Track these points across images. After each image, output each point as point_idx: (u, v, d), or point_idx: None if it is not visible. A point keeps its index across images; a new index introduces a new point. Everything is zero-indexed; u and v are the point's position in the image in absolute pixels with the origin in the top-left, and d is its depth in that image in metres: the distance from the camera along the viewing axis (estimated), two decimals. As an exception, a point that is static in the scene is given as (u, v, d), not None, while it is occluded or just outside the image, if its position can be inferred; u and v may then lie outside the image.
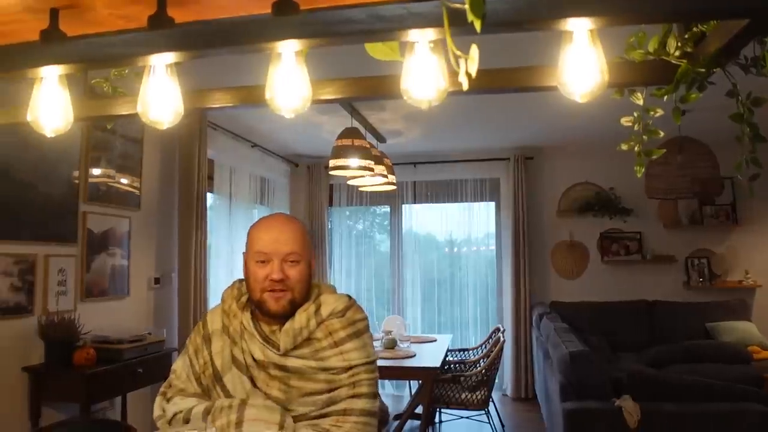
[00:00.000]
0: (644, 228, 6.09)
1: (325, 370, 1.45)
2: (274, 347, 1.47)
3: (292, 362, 1.46)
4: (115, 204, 4.07)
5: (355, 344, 1.49)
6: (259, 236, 1.52)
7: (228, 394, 1.48)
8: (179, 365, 1.62)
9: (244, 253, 1.58)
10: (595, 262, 6.18)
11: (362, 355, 1.49)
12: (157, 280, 4.47)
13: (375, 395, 1.53)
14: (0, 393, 3.18)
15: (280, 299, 1.48)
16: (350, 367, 1.47)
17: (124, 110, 1.42)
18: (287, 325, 1.48)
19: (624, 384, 3.44)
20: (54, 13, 1.31)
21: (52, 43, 1.20)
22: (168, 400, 1.53)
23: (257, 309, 1.53)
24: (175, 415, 1.48)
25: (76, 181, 3.72)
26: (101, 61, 1.16)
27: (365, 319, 1.57)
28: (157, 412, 1.54)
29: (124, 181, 4.15)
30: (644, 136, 1.18)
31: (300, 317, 1.48)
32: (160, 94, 1.22)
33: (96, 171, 3.89)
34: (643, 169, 1.20)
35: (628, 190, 5.98)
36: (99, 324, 3.76)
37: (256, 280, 1.50)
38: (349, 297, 1.60)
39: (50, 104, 1.29)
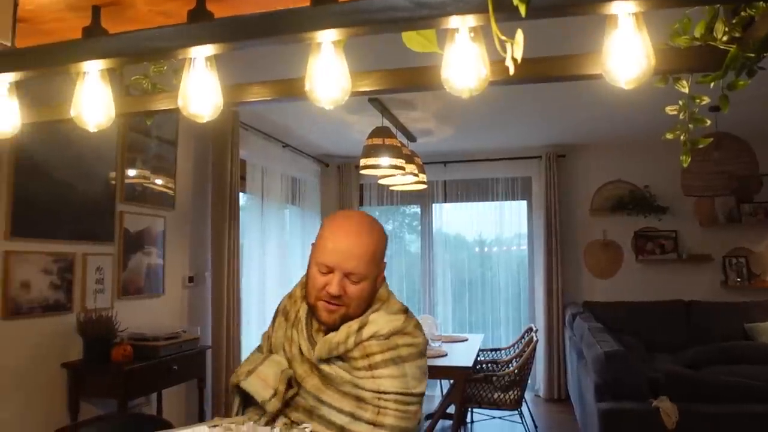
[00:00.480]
0: (680, 226, 5.96)
1: (356, 386, 1.34)
2: (314, 348, 1.43)
3: (326, 368, 1.39)
4: (151, 204, 4.13)
5: (391, 371, 1.34)
6: (327, 244, 1.42)
7: None
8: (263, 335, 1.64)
9: (313, 244, 1.50)
10: (629, 262, 6.08)
11: (396, 385, 1.33)
12: (191, 279, 4.53)
13: (401, 430, 1.34)
14: (40, 388, 3.25)
15: (333, 313, 1.41)
16: (380, 392, 1.33)
17: (163, 105, 1.44)
18: (329, 335, 1.41)
19: (661, 384, 3.37)
20: (96, 11, 1.33)
21: (94, 39, 1.22)
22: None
23: (310, 311, 1.48)
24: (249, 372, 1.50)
25: (113, 182, 3.79)
26: (142, 55, 1.17)
27: (414, 345, 1.40)
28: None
29: (158, 181, 4.21)
30: (690, 125, 1.15)
31: (341, 332, 1.39)
32: (199, 87, 1.23)
33: (132, 172, 3.96)
34: (689, 159, 1.17)
35: (664, 188, 5.87)
36: (135, 322, 3.82)
37: (314, 285, 1.43)
38: (406, 317, 1.44)
39: (93, 100, 1.31)
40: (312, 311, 1.45)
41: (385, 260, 1.49)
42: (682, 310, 5.63)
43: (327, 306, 1.40)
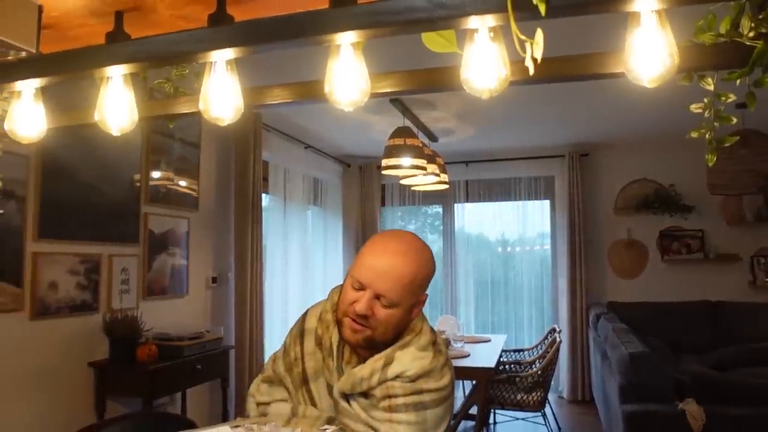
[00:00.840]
0: (706, 225, 5.86)
1: (370, 426, 1.27)
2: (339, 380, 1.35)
3: (344, 404, 1.33)
4: (175, 205, 4.18)
5: (409, 417, 1.25)
6: (366, 259, 1.33)
7: (312, 400, 1.39)
8: (281, 349, 1.52)
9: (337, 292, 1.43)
10: (654, 262, 5.99)
11: (413, 431, 1.25)
12: (214, 280, 4.57)
13: None
14: (68, 387, 3.31)
15: (357, 333, 1.31)
16: None
17: (185, 109, 1.45)
18: (355, 369, 1.32)
19: (687, 386, 3.32)
20: (119, 16, 1.35)
21: (117, 44, 1.23)
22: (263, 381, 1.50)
23: (337, 328, 1.39)
24: (259, 405, 1.44)
25: (138, 184, 3.84)
26: (165, 59, 1.19)
27: (439, 390, 1.29)
28: (252, 388, 1.51)
29: (182, 183, 4.26)
30: (715, 123, 1.13)
31: (366, 367, 1.31)
32: (220, 91, 1.24)
33: (156, 174, 4.01)
34: (715, 158, 1.15)
35: (689, 187, 5.77)
36: (160, 322, 3.87)
37: (344, 299, 1.34)
38: (435, 354, 1.33)
39: (116, 104, 1.33)
40: (338, 327, 1.37)
41: (426, 292, 1.38)
42: (708, 311, 5.53)
43: (352, 324, 1.31)
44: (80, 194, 3.41)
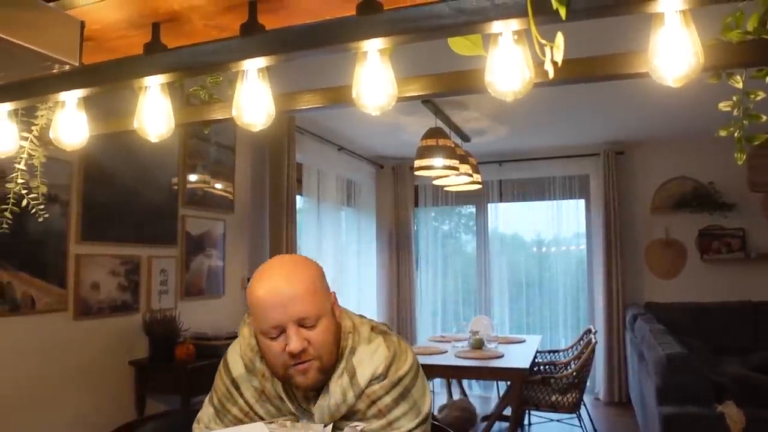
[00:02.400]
0: (747, 224, 5.71)
1: None
2: (313, 420, 1.26)
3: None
4: (211, 208, 4.27)
5: (403, 408, 1.23)
6: (261, 306, 1.20)
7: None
8: (204, 415, 1.40)
9: (249, 322, 1.33)
10: (693, 261, 5.86)
11: (412, 418, 1.24)
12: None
13: None
14: (109, 384, 3.42)
15: (308, 371, 1.20)
16: None
17: (219, 115, 1.50)
18: (321, 400, 1.24)
19: (727, 389, 3.25)
20: (155, 27, 1.40)
21: (155, 54, 1.29)
22: None
23: (286, 386, 1.29)
24: None
25: (175, 187, 3.94)
26: (199, 69, 1.23)
27: (411, 366, 1.27)
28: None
29: (218, 186, 4.35)
30: (744, 121, 1.12)
31: (334, 392, 1.23)
32: (252, 97, 1.28)
33: (193, 177, 4.10)
34: (744, 156, 1.14)
35: (729, 184, 5.63)
36: (197, 322, 3.96)
37: (274, 356, 1.21)
38: (385, 341, 1.29)
39: (154, 112, 1.39)
40: (288, 385, 1.27)
41: (332, 290, 1.31)
42: (749, 312, 5.39)
43: (298, 369, 1.20)
44: (120, 198, 3.52)
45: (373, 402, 1.23)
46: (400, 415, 1.23)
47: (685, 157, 5.86)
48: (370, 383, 1.23)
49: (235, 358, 1.37)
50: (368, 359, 1.25)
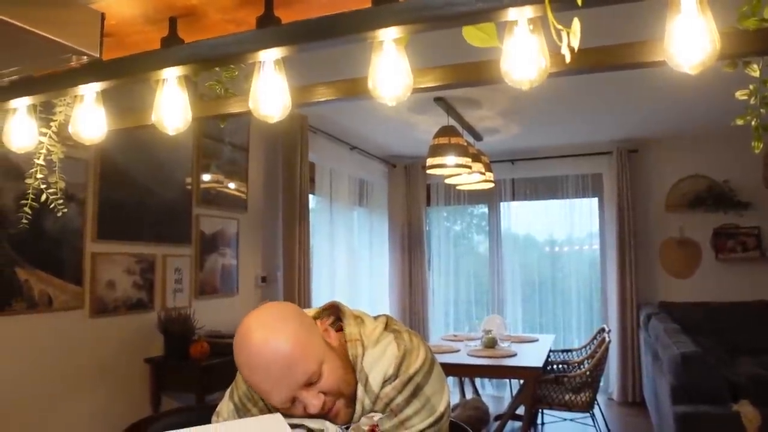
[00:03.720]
0: (764, 223, 5.65)
1: None
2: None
3: None
4: (224, 207, 4.30)
5: (414, 407, 1.21)
6: (261, 390, 1.17)
7: None
8: (224, 410, 1.39)
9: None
10: (708, 260, 5.81)
11: (424, 417, 1.22)
12: (263, 279, 4.68)
13: None
14: (125, 382, 3.45)
15: (338, 414, 1.20)
16: None
17: (235, 109, 1.51)
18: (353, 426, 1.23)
19: (742, 388, 3.22)
20: (173, 22, 1.42)
21: (172, 48, 1.30)
22: None
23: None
24: None
25: (189, 186, 3.97)
26: (216, 60, 1.25)
27: (423, 363, 1.24)
28: None
29: (231, 185, 4.38)
30: (762, 110, 1.12)
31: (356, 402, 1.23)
32: (269, 89, 1.29)
33: (206, 177, 4.13)
34: (761, 145, 1.13)
35: (745, 183, 5.58)
36: (211, 320, 3.99)
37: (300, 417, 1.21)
38: (396, 340, 1.26)
39: (171, 105, 1.41)
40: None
41: (319, 324, 1.26)
42: (765, 312, 5.34)
43: (327, 416, 1.20)
44: (136, 197, 3.55)
45: (387, 404, 1.21)
46: (411, 414, 1.21)
47: (700, 155, 5.82)
48: (382, 386, 1.21)
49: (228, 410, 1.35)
50: (378, 362, 1.23)
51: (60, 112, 1.78)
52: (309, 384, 1.15)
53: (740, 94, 1.13)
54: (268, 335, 1.13)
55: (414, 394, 1.21)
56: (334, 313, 1.34)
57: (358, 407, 1.21)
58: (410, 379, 1.21)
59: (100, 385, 3.29)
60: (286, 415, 1.19)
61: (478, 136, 5.49)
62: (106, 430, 3.22)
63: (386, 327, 1.31)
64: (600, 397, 4.96)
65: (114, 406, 3.35)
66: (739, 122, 1.16)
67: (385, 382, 1.21)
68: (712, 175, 5.76)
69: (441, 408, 1.23)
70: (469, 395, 5.39)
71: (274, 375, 1.12)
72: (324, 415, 1.17)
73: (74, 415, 3.13)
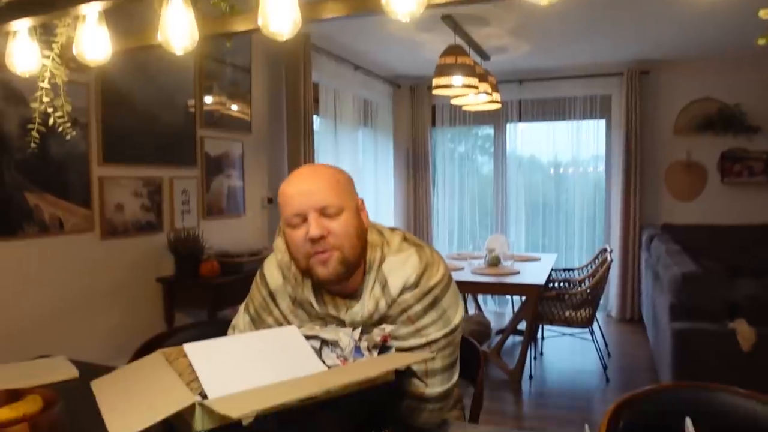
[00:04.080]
0: (773, 147, 5.60)
1: (399, 348, 1.26)
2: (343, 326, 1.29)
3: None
4: (228, 129, 4.27)
5: (432, 317, 1.26)
6: (287, 196, 1.25)
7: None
8: (240, 322, 1.47)
9: (280, 225, 1.34)
10: (713, 184, 5.80)
11: (440, 327, 1.27)
12: (269, 200, 4.71)
13: (451, 366, 1.31)
14: (140, 300, 3.55)
15: (328, 262, 1.23)
16: (428, 343, 1.26)
17: (242, 26, 1.47)
18: (356, 308, 1.27)
19: (740, 308, 3.30)
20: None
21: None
22: None
23: (310, 279, 1.31)
24: None
25: (192, 109, 3.93)
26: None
27: (443, 277, 1.29)
28: None
29: (234, 107, 4.33)
30: (784, 30, 1.09)
31: (368, 302, 1.27)
32: (278, 4, 1.25)
33: (209, 99, 4.08)
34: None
35: (756, 106, 5.49)
36: (219, 240, 4.06)
37: (296, 246, 1.25)
38: (417, 252, 1.30)
39: (177, 24, 1.37)
40: (310, 277, 1.29)
41: (360, 197, 1.34)
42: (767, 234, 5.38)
43: (318, 258, 1.23)
44: (139, 120, 3.52)
45: (404, 310, 1.26)
46: (428, 323, 1.26)
47: (713, 77, 5.69)
48: (402, 292, 1.26)
49: (272, 270, 1.42)
50: (399, 268, 1.27)
51: (61, 33, 1.74)
52: (323, 213, 1.23)
53: (764, 13, 1.10)
54: (322, 167, 1.30)
55: (432, 305, 1.27)
56: None
57: (372, 305, 1.27)
58: (430, 290, 1.27)
59: (115, 305, 3.39)
60: (299, 328, 1.23)
61: (485, 56, 5.36)
62: (123, 346, 3.34)
63: (405, 239, 1.35)
64: (599, 315, 5.10)
65: (130, 324, 3.46)
66: (761, 42, 1.13)
67: (405, 289, 1.26)
68: (724, 98, 5.65)
69: (455, 320, 1.30)
70: (472, 311, 5.54)
71: (303, 187, 1.23)
72: (318, 251, 1.22)
73: (92, 334, 3.24)
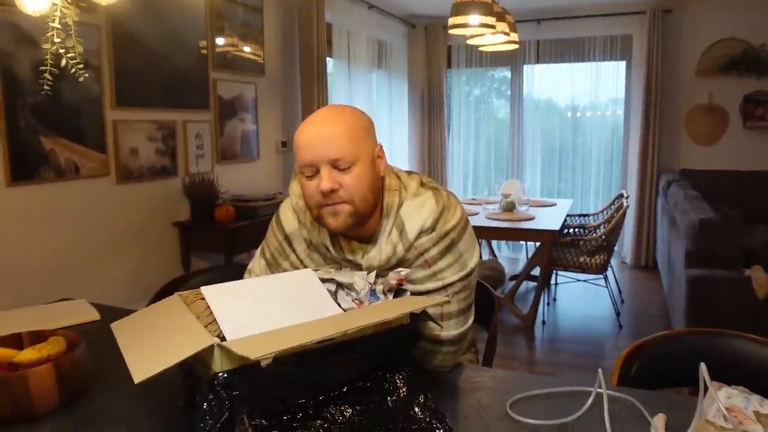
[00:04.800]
0: (798, 89, 5.44)
1: (415, 292, 1.26)
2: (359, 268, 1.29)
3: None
4: (241, 71, 4.22)
5: (448, 260, 1.26)
6: (300, 145, 1.22)
7: None
8: (256, 266, 1.48)
9: (295, 168, 1.34)
10: (735, 128, 5.67)
11: (456, 270, 1.27)
12: (283, 144, 4.69)
13: (466, 310, 1.32)
14: (157, 245, 3.60)
15: (338, 214, 1.22)
16: (444, 287, 1.27)
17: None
18: (373, 252, 1.27)
19: (757, 255, 3.27)
20: None
21: None
22: None
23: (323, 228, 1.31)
24: None
25: (204, 51, 3.87)
26: None
27: (459, 220, 1.28)
28: None
29: (247, 49, 4.26)
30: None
31: (385, 247, 1.26)
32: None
33: (220, 40, 4.01)
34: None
35: (783, 46, 5.30)
36: (234, 185, 4.07)
37: (309, 196, 1.24)
38: (434, 196, 1.29)
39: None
40: (322, 225, 1.29)
41: (379, 142, 1.32)
42: (790, 181, 5.29)
43: (329, 209, 1.22)
44: (151, 63, 3.48)
45: (421, 254, 1.26)
46: (444, 266, 1.27)
47: (738, 16, 5.48)
48: (418, 236, 1.26)
49: (288, 214, 1.42)
50: (416, 213, 1.27)
51: (69, -30, 1.70)
52: (335, 166, 1.20)
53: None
54: (339, 112, 1.24)
55: (448, 249, 1.27)
56: None
57: (389, 250, 1.27)
58: (447, 233, 1.26)
59: (133, 249, 3.43)
60: (315, 270, 1.24)
61: (503, -6, 5.18)
62: (142, 289, 3.41)
63: (422, 184, 1.34)
64: (613, 261, 5.10)
65: (147, 267, 3.52)
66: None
67: (422, 233, 1.26)
68: (749, 39, 5.46)
69: (471, 264, 1.30)
70: (486, 257, 5.56)
71: (317, 137, 1.20)
72: (329, 203, 1.22)
73: (111, 277, 3.30)
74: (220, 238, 3.61)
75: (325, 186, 1.19)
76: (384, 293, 1.17)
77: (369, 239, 1.31)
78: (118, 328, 1.06)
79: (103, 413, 1.13)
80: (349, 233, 1.29)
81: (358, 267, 1.29)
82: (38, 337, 1.28)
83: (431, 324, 1.24)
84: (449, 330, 1.28)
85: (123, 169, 3.32)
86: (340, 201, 1.21)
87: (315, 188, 1.22)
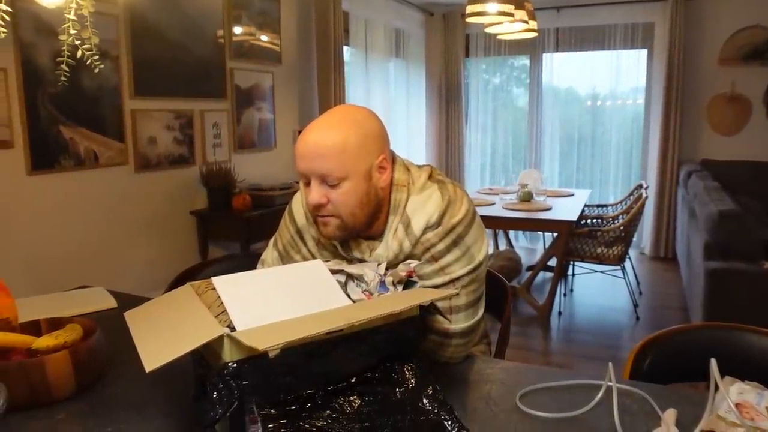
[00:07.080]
0: (825, 78, 5.31)
1: (423, 286, 1.25)
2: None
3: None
4: (258, 60, 4.23)
5: (455, 254, 1.26)
6: (297, 151, 1.22)
7: None
8: (269, 257, 1.50)
9: None
10: (757, 118, 5.55)
11: (464, 264, 1.26)
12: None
13: (475, 302, 1.31)
14: (175, 232, 3.64)
15: (328, 225, 1.25)
16: (451, 281, 1.26)
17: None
18: (380, 250, 1.28)
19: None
20: None
21: None
22: None
23: None
24: None
25: (221, 40, 3.88)
26: None
27: (465, 214, 1.27)
28: None
29: (264, 38, 4.27)
30: None
31: (392, 244, 1.27)
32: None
33: (238, 29, 4.02)
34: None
35: (810, 33, 5.18)
36: (251, 173, 4.09)
37: (306, 202, 1.28)
38: (440, 190, 1.28)
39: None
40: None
41: (384, 154, 1.26)
42: (813, 171, 5.19)
43: (320, 220, 1.26)
44: (168, 52, 3.50)
45: (427, 249, 1.26)
46: (452, 261, 1.26)
47: (762, 4, 5.35)
48: (424, 231, 1.26)
49: (299, 207, 1.43)
50: (421, 208, 1.27)
51: (86, -39, 1.71)
52: (324, 181, 1.20)
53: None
54: (337, 121, 1.21)
55: (455, 243, 1.26)
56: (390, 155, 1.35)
57: (396, 246, 1.27)
58: (452, 228, 1.26)
59: (151, 236, 3.48)
60: (326, 262, 1.24)
61: (522, -18, 5.12)
62: (160, 275, 3.45)
63: (430, 177, 1.33)
64: (632, 252, 5.06)
65: (165, 255, 3.56)
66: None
67: (428, 228, 1.26)
68: (775, 25, 5.34)
69: (479, 257, 1.29)
70: (502, 247, 5.54)
71: (308, 150, 1.19)
72: (315, 216, 1.26)
73: (129, 264, 3.35)
74: (237, 227, 3.64)
75: (312, 200, 1.21)
76: (393, 285, 1.17)
77: (377, 236, 1.31)
78: (131, 317, 1.07)
79: (118, 399, 1.16)
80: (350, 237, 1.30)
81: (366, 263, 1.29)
82: (55, 324, 1.31)
83: (440, 317, 1.25)
84: (458, 323, 1.28)
85: (141, 157, 3.36)
86: (328, 214, 1.23)
87: (307, 197, 1.24)
